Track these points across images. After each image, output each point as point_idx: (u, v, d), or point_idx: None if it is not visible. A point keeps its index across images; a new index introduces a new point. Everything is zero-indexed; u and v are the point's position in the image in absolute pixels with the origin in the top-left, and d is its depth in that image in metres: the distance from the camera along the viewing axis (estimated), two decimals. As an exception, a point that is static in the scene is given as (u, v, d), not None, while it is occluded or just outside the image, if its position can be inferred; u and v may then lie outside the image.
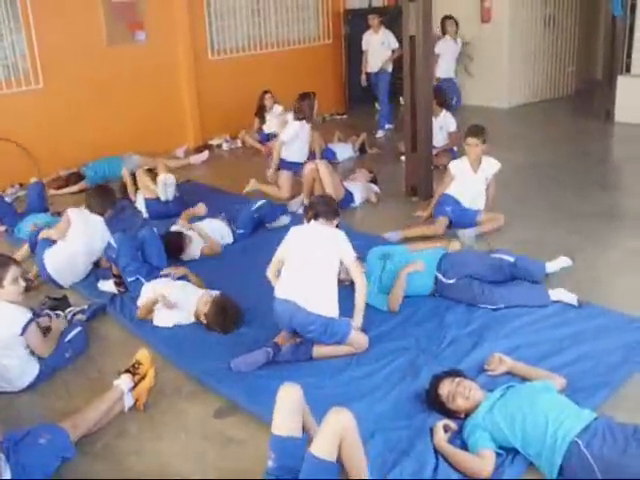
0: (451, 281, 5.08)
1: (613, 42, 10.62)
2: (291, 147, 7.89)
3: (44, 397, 4.33)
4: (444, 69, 10.86)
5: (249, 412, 3.95)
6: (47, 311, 5.10)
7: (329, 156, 8.75)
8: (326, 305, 4.35)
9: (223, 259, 6.14)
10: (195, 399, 4.17)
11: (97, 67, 9.26)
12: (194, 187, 8.26)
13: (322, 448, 2.96)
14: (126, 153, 9.12)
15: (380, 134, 10.42)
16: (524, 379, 3.92)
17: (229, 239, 6.56)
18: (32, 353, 4.42)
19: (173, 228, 6.47)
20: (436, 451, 3.48)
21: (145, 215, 7.30)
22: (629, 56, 10.40)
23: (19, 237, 6.96)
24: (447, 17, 10.99)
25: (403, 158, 8.03)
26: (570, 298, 4.92)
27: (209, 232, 6.41)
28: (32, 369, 4.40)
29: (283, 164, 7.94)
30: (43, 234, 5.95)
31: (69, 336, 4.71)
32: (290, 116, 8.22)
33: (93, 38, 9.23)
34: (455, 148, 8.62)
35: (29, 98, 8.77)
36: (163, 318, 5.03)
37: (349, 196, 7.34)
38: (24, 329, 4.25)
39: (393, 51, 10.23)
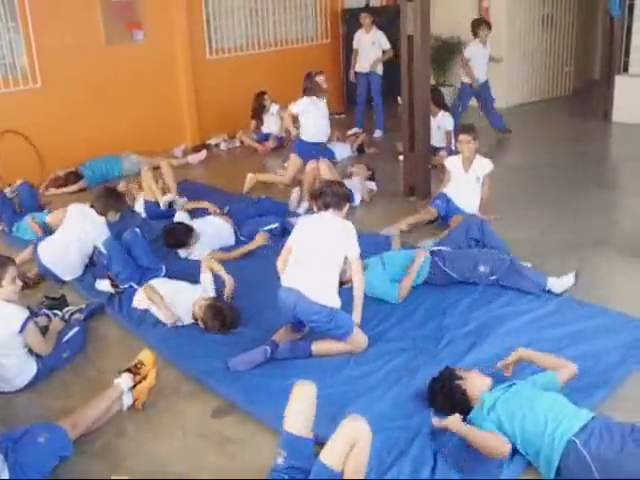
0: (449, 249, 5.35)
1: (611, 42, 10.64)
2: (305, 125, 7.85)
3: (42, 396, 4.32)
4: (480, 73, 9.80)
5: (247, 412, 3.95)
6: (45, 311, 5.10)
7: (327, 155, 8.75)
8: (328, 296, 4.38)
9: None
10: (193, 399, 4.17)
11: (95, 66, 9.25)
12: (192, 186, 8.23)
13: (331, 457, 2.97)
14: (124, 152, 9.13)
15: (378, 133, 10.44)
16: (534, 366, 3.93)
17: (231, 240, 6.51)
18: (30, 352, 4.42)
19: (178, 217, 6.55)
20: (435, 453, 3.49)
21: (144, 215, 7.29)
22: (627, 56, 10.41)
23: (17, 236, 6.96)
24: (480, 21, 10.03)
25: (401, 158, 8.04)
26: (567, 280, 5.13)
27: (210, 230, 6.39)
28: (30, 369, 4.39)
29: (300, 147, 7.92)
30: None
31: (67, 336, 4.71)
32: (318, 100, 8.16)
33: (91, 37, 9.21)
34: (453, 148, 8.63)
35: (27, 97, 8.75)
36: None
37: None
38: (23, 327, 4.25)
39: (384, 52, 10.18)
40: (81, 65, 9.12)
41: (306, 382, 3.27)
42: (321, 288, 4.37)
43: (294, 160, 7.92)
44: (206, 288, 5.23)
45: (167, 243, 6.19)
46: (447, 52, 12.02)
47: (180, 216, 6.69)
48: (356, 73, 10.51)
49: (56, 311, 5.14)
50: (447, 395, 3.69)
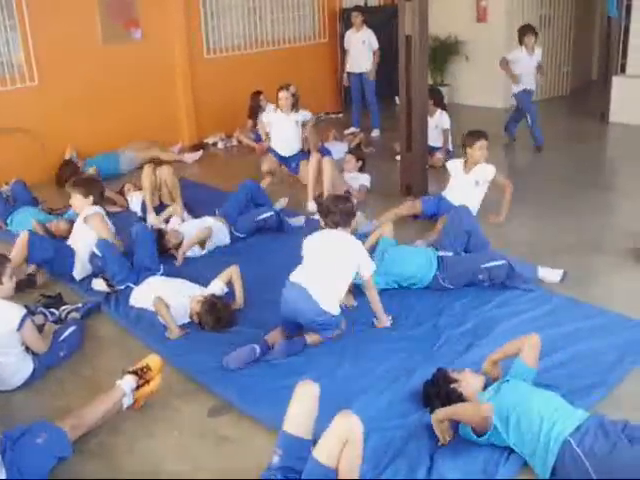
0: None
1: (608, 43, 10.66)
2: (272, 136, 8.49)
3: (39, 395, 4.32)
4: (523, 80, 9.20)
5: (243, 411, 3.95)
6: (41, 309, 5.09)
7: (324, 154, 8.76)
8: (331, 304, 4.48)
9: (218, 259, 6.07)
10: (189, 398, 4.17)
11: (92, 65, 9.22)
12: (188, 185, 8.20)
13: (324, 453, 2.97)
14: (120, 149, 9.14)
15: (375, 133, 10.43)
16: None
17: (226, 240, 6.52)
18: (27, 350, 4.41)
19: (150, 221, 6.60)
20: (430, 453, 3.49)
21: (140, 214, 7.28)
22: (624, 57, 10.42)
23: (9, 230, 6.98)
24: (526, 28, 9.28)
25: (398, 158, 8.04)
26: (555, 274, 5.23)
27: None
28: (27, 367, 4.38)
29: (271, 151, 8.50)
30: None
31: (63, 335, 4.70)
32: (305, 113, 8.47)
33: (88, 36, 9.19)
34: (450, 147, 8.64)
35: (24, 95, 8.73)
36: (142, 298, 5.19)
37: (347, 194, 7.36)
38: (21, 324, 4.24)
39: (373, 53, 10.14)
40: (78, 63, 9.10)
41: (308, 382, 3.27)
42: (326, 294, 4.45)
43: (269, 157, 8.41)
44: (213, 290, 5.20)
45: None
46: (445, 52, 12.04)
47: (175, 221, 6.69)
48: (348, 73, 10.48)
49: (52, 309, 5.14)
50: (444, 400, 3.69)
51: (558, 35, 12.44)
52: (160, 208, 7.13)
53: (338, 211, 4.66)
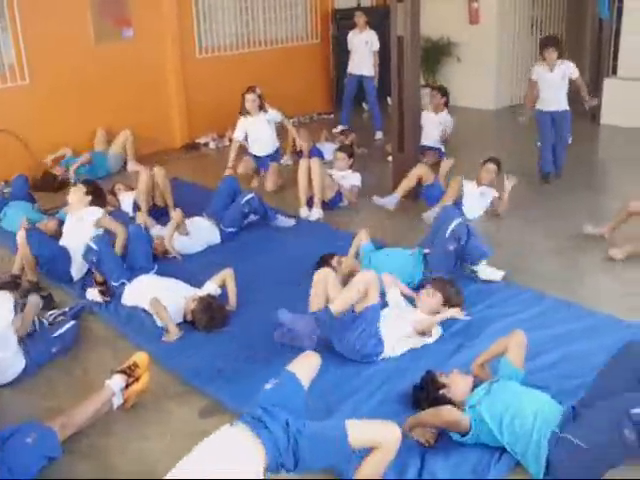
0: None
1: (599, 45, 10.69)
2: (249, 143, 8.48)
3: (28, 395, 4.30)
4: (547, 99, 8.17)
5: (234, 412, 3.93)
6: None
7: (316, 154, 8.76)
8: None
9: (212, 260, 6.04)
10: (181, 399, 4.16)
11: (84, 64, 9.19)
12: (179, 185, 8.15)
13: (357, 435, 3.03)
14: (105, 148, 9.15)
15: (379, 135, 10.29)
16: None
17: (216, 239, 6.52)
18: (19, 345, 4.39)
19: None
20: (421, 453, 3.50)
21: (132, 214, 7.26)
22: (615, 59, 10.46)
23: (2, 227, 7.02)
24: (546, 40, 8.45)
25: (390, 159, 8.04)
26: (496, 275, 5.33)
27: (197, 230, 6.41)
28: (20, 362, 4.37)
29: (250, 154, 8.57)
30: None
31: (58, 331, 4.69)
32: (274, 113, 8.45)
33: (80, 34, 9.16)
34: (443, 148, 8.68)
35: (15, 94, 8.70)
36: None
37: (338, 195, 7.36)
38: (15, 310, 4.26)
39: (374, 54, 10.12)
40: (70, 62, 9.07)
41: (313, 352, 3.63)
42: None
43: (245, 159, 8.40)
44: (208, 290, 5.18)
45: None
46: (437, 53, 12.06)
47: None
48: (349, 74, 10.45)
49: (42, 319, 5.08)
50: (432, 404, 3.68)
51: (550, 37, 12.47)
52: (153, 210, 7.12)
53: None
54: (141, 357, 4.14)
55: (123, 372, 4.00)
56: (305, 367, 3.45)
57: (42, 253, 5.74)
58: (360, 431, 3.06)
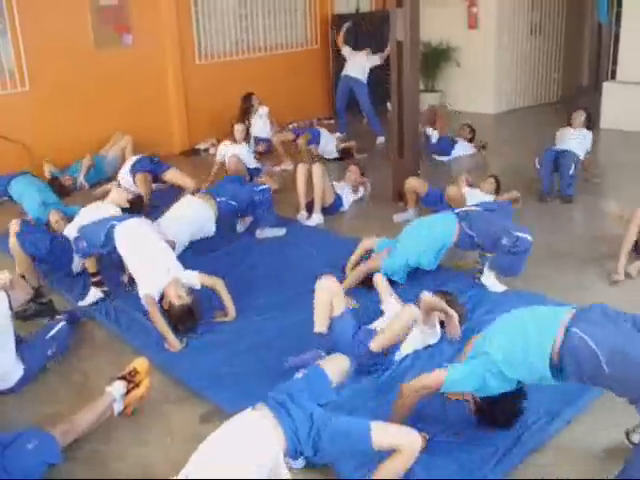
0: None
1: (599, 49, 10.74)
2: None
3: (29, 402, 4.29)
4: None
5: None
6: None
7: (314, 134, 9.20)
8: None
9: (206, 265, 5.85)
10: (181, 404, 4.16)
11: (84, 70, 9.22)
12: (176, 192, 8.08)
13: (379, 439, 3.04)
14: (101, 153, 9.13)
15: (380, 140, 10.29)
16: None
17: (211, 227, 6.30)
18: (18, 341, 4.39)
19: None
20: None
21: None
22: (614, 63, 10.48)
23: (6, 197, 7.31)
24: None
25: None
26: (497, 288, 5.29)
27: (189, 211, 6.26)
28: (18, 369, 4.35)
29: None
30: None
31: (52, 332, 4.66)
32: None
33: (80, 41, 9.19)
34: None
35: (15, 100, 8.73)
36: None
37: (338, 200, 7.35)
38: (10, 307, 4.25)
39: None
40: (70, 68, 9.10)
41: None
42: None
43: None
44: (189, 279, 5.04)
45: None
46: (436, 58, 12.09)
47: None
48: (344, 76, 10.43)
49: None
50: None
51: (548, 42, 12.51)
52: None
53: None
54: (141, 363, 4.13)
55: (123, 378, 3.99)
56: (335, 368, 3.52)
57: (37, 251, 5.68)
58: (384, 433, 3.08)
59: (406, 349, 4.42)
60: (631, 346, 2.97)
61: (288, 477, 3.05)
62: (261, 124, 9.89)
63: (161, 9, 9.84)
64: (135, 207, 6.51)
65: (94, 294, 5.50)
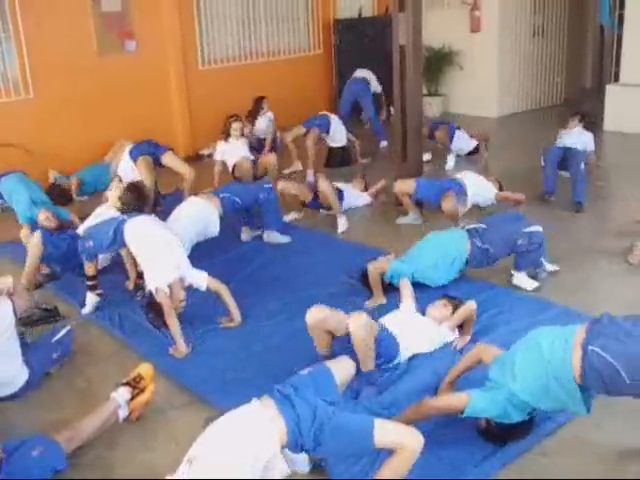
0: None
1: (601, 51, 10.74)
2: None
3: (34, 408, 4.29)
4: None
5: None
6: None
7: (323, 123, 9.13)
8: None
9: (214, 270, 5.99)
10: (185, 409, 4.16)
11: (87, 77, 9.25)
12: (180, 197, 8.07)
13: (382, 437, 3.03)
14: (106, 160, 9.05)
15: (384, 144, 10.28)
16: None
17: (215, 228, 6.26)
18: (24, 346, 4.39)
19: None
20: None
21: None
22: (617, 65, 10.48)
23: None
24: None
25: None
26: (528, 285, 5.36)
27: (192, 210, 6.25)
28: (23, 373, 4.36)
29: None
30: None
31: (57, 336, 4.67)
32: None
33: (83, 48, 9.23)
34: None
35: (19, 108, 8.75)
36: None
37: (340, 194, 7.33)
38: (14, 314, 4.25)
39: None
40: (73, 76, 9.13)
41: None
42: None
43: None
44: (196, 280, 5.03)
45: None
46: (439, 62, 12.09)
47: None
48: (353, 78, 10.42)
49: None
50: None
51: (551, 45, 12.50)
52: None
53: None
54: (145, 368, 4.13)
55: (128, 384, 3.99)
56: (340, 368, 3.57)
57: (56, 250, 5.73)
58: (387, 431, 3.07)
59: (411, 351, 4.43)
60: None
61: (285, 470, 3.05)
62: (264, 126, 9.90)
63: (164, 15, 9.87)
64: (136, 193, 6.10)
65: (90, 299, 5.46)
